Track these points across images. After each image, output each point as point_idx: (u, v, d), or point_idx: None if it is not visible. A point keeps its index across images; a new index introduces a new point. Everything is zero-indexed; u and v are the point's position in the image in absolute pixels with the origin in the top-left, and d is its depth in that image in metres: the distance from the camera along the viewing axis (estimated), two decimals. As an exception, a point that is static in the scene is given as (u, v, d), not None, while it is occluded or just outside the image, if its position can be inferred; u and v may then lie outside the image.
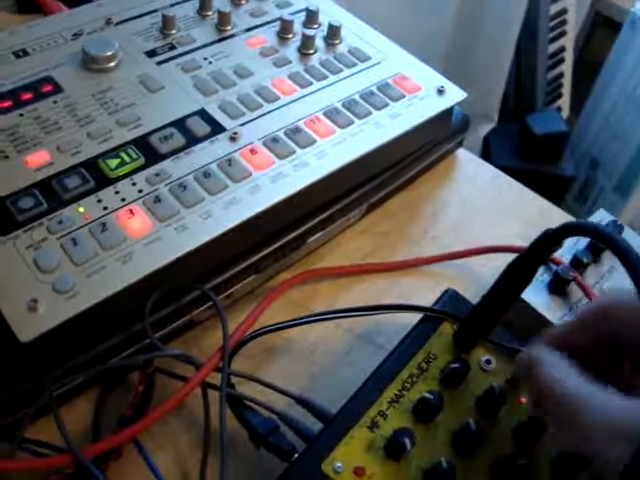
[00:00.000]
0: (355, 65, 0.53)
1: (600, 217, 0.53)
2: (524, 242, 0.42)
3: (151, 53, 0.52)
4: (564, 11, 1.48)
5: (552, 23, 1.46)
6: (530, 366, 0.32)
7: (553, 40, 1.49)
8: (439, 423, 0.37)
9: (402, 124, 0.49)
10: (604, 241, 0.29)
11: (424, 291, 0.47)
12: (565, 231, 0.32)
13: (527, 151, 1.38)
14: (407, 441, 0.35)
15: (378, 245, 0.52)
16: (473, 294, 0.44)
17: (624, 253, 0.28)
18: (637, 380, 0.33)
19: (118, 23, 0.54)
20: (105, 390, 0.42)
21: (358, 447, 0.36)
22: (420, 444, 0.36)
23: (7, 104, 0.47)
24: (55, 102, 0.47)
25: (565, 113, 1.58)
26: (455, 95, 0.52)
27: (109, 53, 0.50)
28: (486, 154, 1.41)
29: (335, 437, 0.36)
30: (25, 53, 0.51)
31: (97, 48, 0.50)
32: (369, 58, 0.54)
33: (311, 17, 0.55)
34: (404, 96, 0.51)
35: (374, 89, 0.51)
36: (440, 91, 0.52)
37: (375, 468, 0.35)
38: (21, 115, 0.46)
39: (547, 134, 1.36)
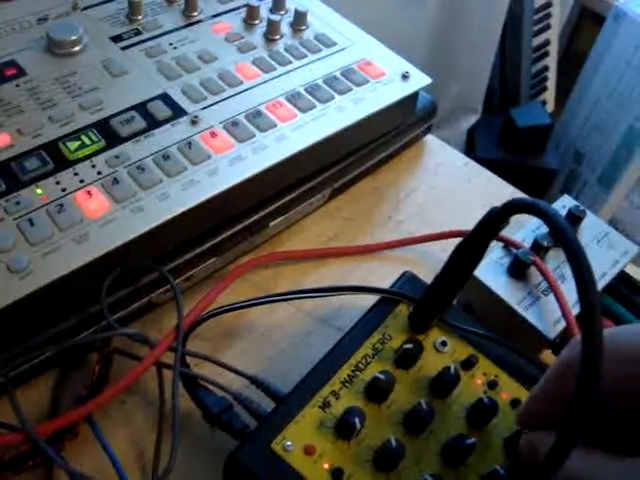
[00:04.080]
0: (320, 51, 0.53)
1: (564, 202, 0.53)
2: None
3: (116, 38, 0.52)
4: (549, 4, 1.48)
5: (537, 16, 1.47)
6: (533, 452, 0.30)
7: (538, 33, 1.49)
8: (391, 403, 0.38)
9: (365, 109, 0.49)
10: (545, 219, 0.29)
11: (386, 275, 0.47)
12: (510, 209, 0.33)
13: (511, 144, 1.39)
14: (357, 420, 0.35)
15: (341, 230, 0.52)
16: (430, 277, 0.44)
17: (562, 231, 0.28)
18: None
19: (84, 8, 0.54)
20: (63, 371, 0.42)
21: (309, 426, 0.36)
22: (371, 424, 0.37)
23: (-31, 88, 0.47)
24: (18, 85, 0.47)
25: (550, 106, 1.58)
26: (420, 80, 0.52)
27: (73, 38, 0.50)
28: (470, 146, 1.41)
29: (286, 416, 0.36)
30: (-12, 37, 0.51)
31: (62, 32, 0.50)
32: (335, 44, 0.54)
33: (278, 3, 0.56)
34: (368, 81, 0.51)
35: (338, 74, 0.51)
36: (405, 76, 0.52)
37: (326, 447, 0.36)
38: (-17, 99, 0.46)
39: (530, 127, 1.36)
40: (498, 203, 0.55)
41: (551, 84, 1.57)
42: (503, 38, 1.42)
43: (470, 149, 1.40)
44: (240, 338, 0.45)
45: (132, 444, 0.39)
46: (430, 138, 0.61)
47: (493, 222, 0.34)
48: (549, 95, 1.57)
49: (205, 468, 0.38)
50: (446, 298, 0.39)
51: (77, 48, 0.50)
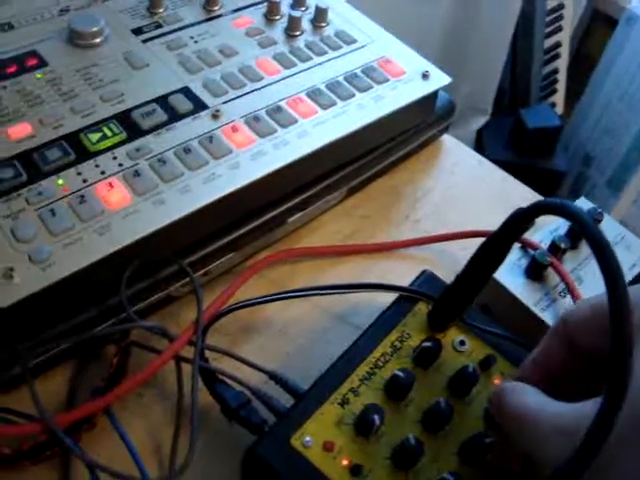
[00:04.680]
0: (340, 48, 0.53)
1: (581, 204, 0.53)
2: None
3: (137, 31, 0.52)
4: (561, 6, 1.48)
5: (548, 18, 1.46)
6: (496, 397, 0.34)
7: (549, 35, 1.49)
8: (410, 401, 0.38)
9: (385, 107, 0.49)
10: (573, 220, 0.29)
11: (403, 273, 0.47)
12: (537, 209, 0.33)
13: (520, 145, 1.39)
14: (376, 418, 0.35)
15: (358, 227, 0.52)
16: (451, 277, 0.44)
17: (591, 232, 0.28)
18: (592, 381, 0.34)
19: (105, 0, 0.54)
20: (81, 363, 0.42)
21: (328, 422, 0.36)
22: (390, 421, 0.37)
23: (-9, 77, 0.47)
24: (40, 76, 0.47)
25: (560, 109, 1.58)
26: (439, 80, 0.52)
27: (95, 29, 0.50)
28: (479, 147, 1.41)
29: (305, 412, 0.36)
30: (11, 27, 0.51)
31: (83, 24, 0.50)
32: (355, 41, 0.54)
33: (299, 0, 0.55)
34: (388, 79, 0.51)
35: (358, 72, 0.51)
36: (425, 75, 0.52)
37: (344, 443, 0.36)
38: (4, 88, 0.46)
39: (540, 128, 1.36)
40: (513, 203, 0.55)
41: (561, 86, 1.57)
42: (515, 39, 1.42)
43: (479, 149, 1.40)
44: (258, 334, 0.45)
45: (149, 437, 0.39)
46: (446, 137, 0.60)
47: (519, 222, 0.34)
48: (559, 97, 1.57)
49: (222, 463, 0.38)
50: (467, 298, 0.39)
51: (98, 40, 0.50)
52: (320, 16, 0.54)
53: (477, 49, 1.36)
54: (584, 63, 1.62)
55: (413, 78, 0.51)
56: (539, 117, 1.38)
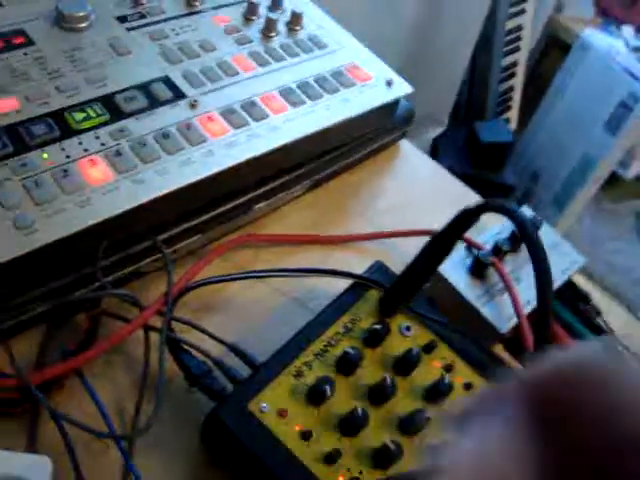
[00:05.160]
0: (312, 51, 0.57)
1: (523, 212, 0.58)
2: None
3: (122, 19, 0.54)
4: (520, 27, 1.54)
5: (507, 38, 1.53)
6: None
7: (507, 54, 1.55)
8: (358, 377, 0.42)
9: (350, 109, 0.53)
10: (512, 217, 0.33)
11: (357, 264, 0.51)
12: (482, 207, 0.37)
13: (472, 157, 1.45)
14: (327, 388, 0.39)
15: (318, 219, 0.56)
16: (399, 269, 0.48)
17: (527, 230, 0.33)
18: None
19: (92, -13, 0.57)
20: (52, 327, 0.45)
21: (283, 392, 0.40)
22: (340, 393, 0.40)
23: (-22, 51, 0.49)
24: (26, 54, 0.49)
25: (513, 125, 1.65)
26: (402, 88, 0.56)
27: (82, 14, 0.52)
28: (434, 155, 1.47)
29: (263, 381, 0.40)
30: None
31: (71, 7, 0.52)
32: (326, 46, 0.58)
33: (276, 2, 0.59)
34: (355, 84, 0.55)
35: (327, 75, 0.55)
36: (389, 83, 0.56)
37: (297, 411, 0.39)
38: (-9, 63, 0.48)
39: (492, 142, 1.42)
40: (461, 206, 0.59)
41: (515, 103, 1.63)
42: (474, 55, 1.48)
43: (434, 157, 1.45)
44: (220, 311, 0.48)
45: (115, 400, 0.42)
46: (404, 142, 0.65)
47: (465, 218, 0.38)
48: (513, 114, 1.64)
49: (183, 426, 0.41)
50: (414, 286, 0.43)
51: (84, 24, 0.52)
52: (295, 20, 0.58)
53: (438, 61, 1.41)
54: (538, 83, 1.69)
55: (378, 85, 0.56)
56: (492, 131, 1.44)
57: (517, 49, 1.57)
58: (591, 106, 1.42)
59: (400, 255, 0.54)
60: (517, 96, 1.62)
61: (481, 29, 1.41)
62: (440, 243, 0.40)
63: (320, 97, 0.52)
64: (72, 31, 0.52)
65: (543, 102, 1.54)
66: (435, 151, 1.48)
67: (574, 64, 1.46)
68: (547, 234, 0.56)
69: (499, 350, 0.51)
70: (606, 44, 1.44)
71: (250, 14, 0.58)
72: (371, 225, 0.56)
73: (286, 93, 0.52)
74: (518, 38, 1.55)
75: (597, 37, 1.45)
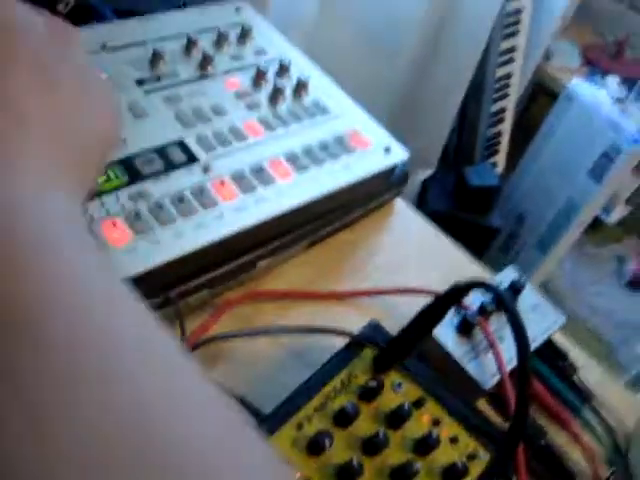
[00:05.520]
0: (316, 116, 0.61)
1: (507, 273, 0.62)
2: (442, 287, 0.51)
3: (140, 82, 0.58)
4: (509, 75, 1.60)
5: (497, 85, 1.59)
6: None
7: (496, 100, 1.61)
8: (354, 429, 0.45)
9: (351, 175, 0.57)
10: (495, 295, 0.37)
11: (354, 319, 0.55)
12: (470, 286, 0.41)
13: (460, 199, 1.49)
14: (327, 441, 0.43)
15: (316, 276, 0.59)
16: (392, 325, 0.52)
17: (510, 310, 0.36)
18: None
19: (112, 49, 0.61)
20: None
21: (285, 442, 0.43)
22: (337, 444, 0.44)
23: None
24: (50, 116, 0.53)
25: (499, 169, 1.70)
26: (399, 155, 0.60)
27: (104, 77, 0.56)
28: (422, 198, 1.51)
29: (267, 431, 0.43)
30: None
31: (93, 72, 0.56)
32: (329, 111, 0.62)
33: (283, 69, 0.63)
34: (355, 150, 0.59)
35: (330, 140, 0.59)
36: (387, 149, 0.60)
37: (298, 460, 0.43)
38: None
39: (480, 186, 1.47)
40: (450, 266, 0.63)
41: (503, 148, 1.69)
42: (465, 100, 1.53)
43: (422, 200, 1.50)
44: (225, 362, 0.51)
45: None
46: (398, 201, 0.69)
47: (455, 294, 0.42)
48: (500, 157, 1.69)
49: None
50: (407, 347, 0.47)
51: (105, 88, 0.56)
52: (301, 86, 0.62)
53: (430, 106, 1.47)
54: (525, 128, 1.75)
55: (377, 151, 0.60)
56: (480, 175, 1.49)
57: (506, 96, 1.62)
58: (576, 154, 1.47)
59: (392, 311, 0.58)
60: (505, 141, 1.68)
61: (473, 76, 1.47)
62: (432, 312, 0.44)
63: (323, 162, 0.56)
64: (94, 94, 0.56)
65: (530, 147, 1.59)
66: (424, 193, 1.53)
67: (560, 113, 1.51)
68: (529, 295, 0.60)
69: (482, 404, 0.55)
70: (591, 95, 1.50)
71: (259, 79, 0.62)
72: (367, 281, 0.60)
73: (292, 159, 0.56)
74: (507, 85, 1.61)
75: (582, 87, 1.51)
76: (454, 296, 0.42)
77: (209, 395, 0.23)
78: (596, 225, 1.60)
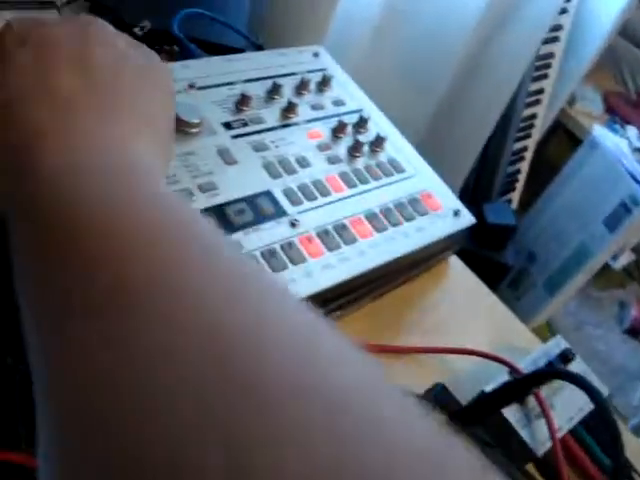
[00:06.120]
0: (392, 175, 0.63)
1: (556, 342, 0.64)
2: (493, 349, 0.56)
3: (227, 125, 0.60)
4: (534, 116, 1.64)
5: (522, 124, 1.62)
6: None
7: (519, 139, 1.64)
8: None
9: (424, 237, 0.59)
10: (590, 396, 0.40)
11: (410, 375, 0.57)
12: (556, 375, 0.43)
13: (476, 235, 1.52)
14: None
15: (378, 329, 0.61)
16: (449, 386, 0.54)
17: (602, 406, 0.39)
18: None
19: (200, 88, 0.62)
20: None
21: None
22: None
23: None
24: (146, 155, 0.55)
25: (514, 205, 1.73)
26: (467, 220, 0.63)
27: (196, 121, 0.58)
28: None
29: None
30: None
31: (187, 113, 0.57)
32: (404, 171, 0.64)
33: (362, 123, 0.65)
34: (427, 212, 0.61)
35: (405, 201, 0.61)
36: (456, 213, 0.62)
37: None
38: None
39: (497, 224, 1.50)
40: (499, 328, 0.66)
41: (520, 185, 1.72)
42: (488, 139, 1.56)
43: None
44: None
45: None
46: (453, 258, 0.71)
47: (537, 377, 0.45)
48: (516, 195, 1.72)
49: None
50: (477, 418, 0.49)
51: (196, 130, 0.58)
52: (379, 143, 0.64)
53: (455, 144, 1.50)
54: (540, 167, 1.78)
55: (447, 214, 0.62)
56: (498, 213, 1.52)
57: (529, 136, 1.66)
58: (594, 201, 1.51)
59: (451, 371, 0.61)
60: (522, 179, 1.71)
61: (500, 116, 1.49)
62: (514, 390, 0.46)
63: (399, 224, 0.59)
64: (185, 134, 0.57)
65: (549, 188, 1.62)
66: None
67: (582, 159, 1.55)
68: (578, 366, 0.62)
69: (530, 469, 0.57)
70: (614, 144, 1.53)
71: (339, 132, 0.64)
72: (423, 337, 0.62)
73: (371, 218, 0.58)
74: (532, 126, 1.64)
75: (606, 136, 1.55)
76: (536, 378, 0.45)
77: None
78: (601, 269, 1.63)
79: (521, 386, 0.46)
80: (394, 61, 1.31)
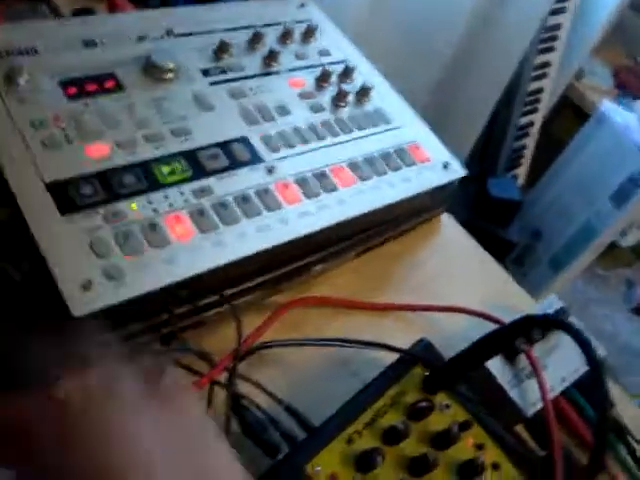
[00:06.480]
0: (378, 125, 0.60)
1: (550, 302, 0.61)
2: (485, 308, 0.54)
3: (205, 72, 0.57)
4: (541, 90, 1.60)
5: (528, 98, 1.58)
6: None
7: (525, 114, 1.60)
8: (402, 448, 0.45)
9: (411, 188, 0.56)
10: (579, 342, 0.37)
11: (399, 333, 0.54)
12: (545, 322, 0.40)
13: (480, 209, 1.49)
14: (378, 459, 0.42)
15: (363, 285, 0.59)
16: (437, 343, 0.51)
17: (589, 351, 0.36)
18: None
19: (178, 35, 0.59)
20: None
21: (335, 457, 0.43)
22: (384, 463, 0.44)
23: (73, 91, 0.51)
24: (116, 100, 0.52)
25: (520, 181, 1.70)
26: (457, 171, 0.60)
27: (171, 66, 0.55)
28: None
29: (319, 444, 0.43)
30: (93, 44, 0.55)
31: (162, 58, 0.55)
32: (391, 121, 0.61)
33: (348, 72, 0.62)
34: (415, 163, 0.58)
35: (391, 151, 0.58)
36: (445, 165, 0.59)
37: (346, 476, 0.42)
38: (86, 105, 0.51)
39: (501, 198, 1.46)
40: (493, 287, 0.63)
41: (526, 161, 1.68)
42: (494, 112, 1.52)
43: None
44: (270, 368, 0.51)
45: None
46: (444, 216, 0.68)
47: (524, 327, 0.42)
48: (522, 171, 1.69)
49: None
50: (461, 373, 0.47)
51: (171, 75, 0.55)
52: (364, 93, 0.61)
53: (460, 114, 1.46)
54: (547, 142, 1.74)
55: (436, 166, 0.59)
56: (503, 188, 1.48)
57: (535, 110, 1.62)
58: (601, 176, 1.47)
59: (438, 327, 0.58)
60: (528, 154, 1.67)
61: (505, 89, 1.46)
62: (494, 341, 0.44)
63: (384, 173, 0.56)
64: (160, 80, 0.55)
65: (555, 164, 1.58)
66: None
67: (590, 133, 1.50)
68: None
69: (520, 430, 0.55)
70: (622, 119, 1.49)
71: (323, 81, 0.61)
72: (411, 294, 0.60)
73: (354, 166, 0.55)
74: (538, 100, 1.60)
75: (614, 111, 1.50)
76: (521, 329, 0.42)
77: None
78: (608, 247, 1.59)
79: (505, 336, 0.43)
80: (396, 24, 1.27)
